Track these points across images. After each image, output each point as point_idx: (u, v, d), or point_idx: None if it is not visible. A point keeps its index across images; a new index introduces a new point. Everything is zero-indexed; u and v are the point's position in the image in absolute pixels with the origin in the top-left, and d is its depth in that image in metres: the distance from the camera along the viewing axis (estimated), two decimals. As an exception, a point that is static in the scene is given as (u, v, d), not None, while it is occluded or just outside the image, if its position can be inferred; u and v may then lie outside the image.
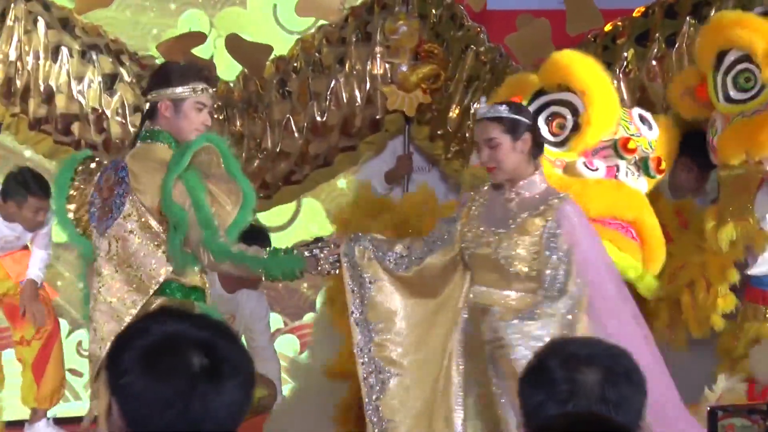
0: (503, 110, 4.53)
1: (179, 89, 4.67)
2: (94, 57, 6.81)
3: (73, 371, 7.41)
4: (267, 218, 7.81)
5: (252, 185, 4.75)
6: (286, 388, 6.58)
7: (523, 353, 4.21)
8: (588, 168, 5.22)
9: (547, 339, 4.23)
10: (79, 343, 7.87)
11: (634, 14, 6.60)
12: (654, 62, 6.39)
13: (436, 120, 6.97)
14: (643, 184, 5.33)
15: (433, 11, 7.01)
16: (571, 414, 2.33)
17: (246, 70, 7.06)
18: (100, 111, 6.79)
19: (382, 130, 7.02)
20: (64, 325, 7.27)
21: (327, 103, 6.94)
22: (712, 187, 5.83)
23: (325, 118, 6.95)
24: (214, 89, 4.92)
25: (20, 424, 6.64)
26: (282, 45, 7.24)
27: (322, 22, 7.28)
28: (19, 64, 6.64)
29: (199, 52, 6.90)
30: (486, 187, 4.68)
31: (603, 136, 5.21)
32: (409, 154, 6.97)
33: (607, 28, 6.60)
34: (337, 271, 4.67)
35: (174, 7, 8.29)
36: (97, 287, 4.63)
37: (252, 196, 4.67)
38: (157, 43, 7.27)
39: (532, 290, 4.44)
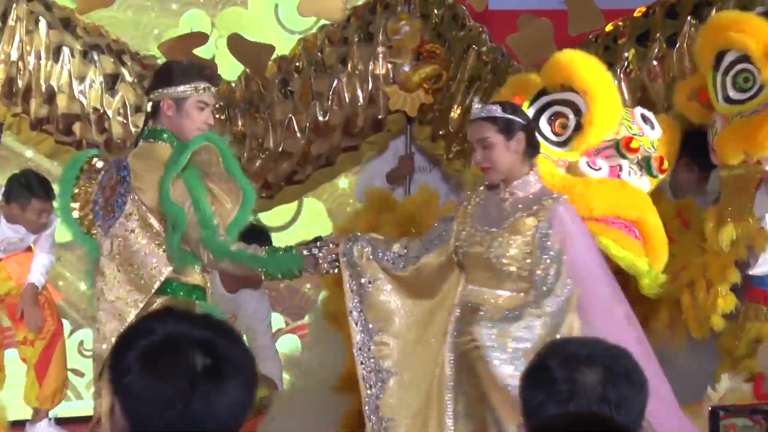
0: (496, 110, 4.54)
1: (181, 88, 4.68)
2: (96, 57, 6.82)
3: (74, 371, 7.41)
4: (268, 218, 7.82)
5: (252, 184, 4.76)
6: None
7: (496, 356, 4.22)
8: (591, 168, 5.22)
9: (532, 340, 4.25)
10: (81, 343, 7.87)
11: (635, 14, 6.60)
12: (655, 62, 6.39)
13: (438, 120, 6.97)
14: (645, 184, 5.34)
15: (435, 11, 7.01)
16: (572, 414, 2.33)
17: (248, 70, 7.06)
18: (101, 111, 6.79)
19: (385, 130, 7.03)
20: (66, 325, 7.26)
21: (329, 103, 6.94)
22: (712, 187, 5.82)
23: (327, 118, 6.95)
24: (216, 88, 4.92)
25: (23, 423, 6.64)
26: (283, 45, 7.24)
27: (323, 22, 7.28)
28: (20, 64, 6.65)
29: (201, 52, 6.91)
30: (482, 187, 4.69)
31: (605, 135, 5.20)
32: (410, 155, 6.98)
33: (608, 28, 6.60)
34: (336, 271, 4.69)
35: (175, 8, 8.30)
36: (100, 286, 4.65)
37: (252, 195, 4.68)
38: (158, 43, 7.27)
39: (524, 291, 4.44)
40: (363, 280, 4.64)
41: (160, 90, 4.72)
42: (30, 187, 6.10)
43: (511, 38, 6.76)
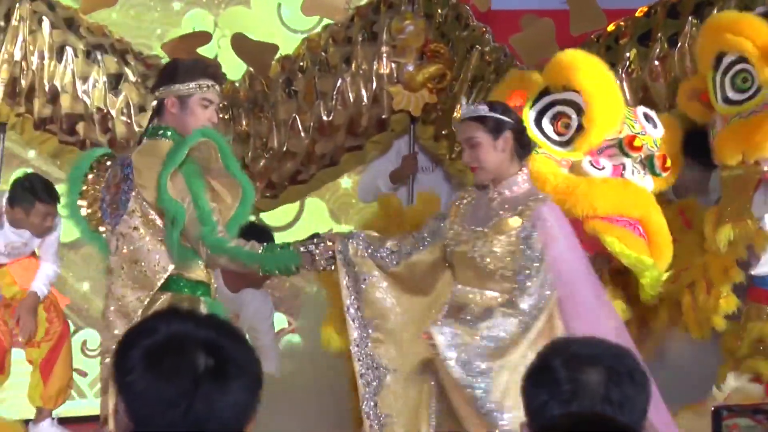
0: (483, 110, 4.57)
1: (185, 86, 4.70)
2: (99, 57, 6.81)
3: (77, 371, 7.41)
4: (271, 218, 7.82)
5: (251, 180, 4.77)
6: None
7: (451, 355, 4.23)
8: (594, 167, 5.22)
9: (503, 339, 4.26)
10: (84, 343, 7.88)
11: (636, 14, 6.60)
12: (656, 62, 6.39)
13: (441, 120, 6.96)
14: (649, 182, 5.34)
15: (439, 11, 7.00)
16: (575, 414, 2.34)
17: (252, 70, 7.06)
18: (105, 111, 6.79)
19: (389, 130, 7.02)
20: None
21: (333, 102, 6.93)
22: (714, 186, 5.82)
23: (331, 118, 6.94)
24: (221, 86, 4.93)
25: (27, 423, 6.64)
26: (286, 44, 7.24)
27: (327, 21, 7.28)
28: (23, 64, 6.64)
29: (204, 51, 6.91)
30: (474, 186, 4.72)
31: (607, 135, 5.21)
32: (413, 154, 6.97)
33: (610, 28, 6.59)
34: (333, 267, 4.71)
35: (178, 7, 8.30)
36: (108, 284, 4.67)
37: (251, 191, 4.69)
38: (161, 42, 7.27)
39: (508, 291, 4.45)
40: (359, 278, 4.67)
41: (164, 87, 4.74)
42: (34, 191, 6.08)
43: (514, 38, 6.76)
